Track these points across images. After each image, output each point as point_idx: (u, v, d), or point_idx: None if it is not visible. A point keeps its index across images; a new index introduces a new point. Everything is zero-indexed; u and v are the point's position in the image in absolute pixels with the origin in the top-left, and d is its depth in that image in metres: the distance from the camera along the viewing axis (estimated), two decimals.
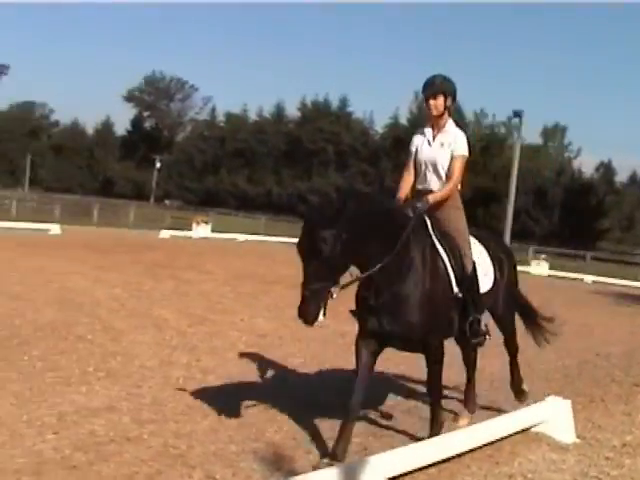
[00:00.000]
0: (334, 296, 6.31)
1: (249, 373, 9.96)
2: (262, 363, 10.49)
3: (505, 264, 8.30)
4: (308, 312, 6.23)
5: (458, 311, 7.33)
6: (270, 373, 10.12)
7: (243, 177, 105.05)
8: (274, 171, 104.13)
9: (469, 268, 7.37)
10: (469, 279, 7.34)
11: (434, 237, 7.17)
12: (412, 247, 6.89)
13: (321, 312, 6.24)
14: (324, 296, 6.28)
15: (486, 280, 7.72)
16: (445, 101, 7.46)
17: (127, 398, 8.29)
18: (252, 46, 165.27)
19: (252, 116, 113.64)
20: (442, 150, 7.56)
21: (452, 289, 7.15)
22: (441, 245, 7.17)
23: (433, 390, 7.37)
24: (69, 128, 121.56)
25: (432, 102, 7.44)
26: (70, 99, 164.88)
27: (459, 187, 7.67)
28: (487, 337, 7.65)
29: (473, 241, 7.72)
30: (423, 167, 7.68)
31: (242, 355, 10.91)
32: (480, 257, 7.69)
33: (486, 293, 7.72)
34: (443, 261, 7.12)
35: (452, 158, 7.53)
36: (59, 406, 7.70)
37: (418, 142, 7.75)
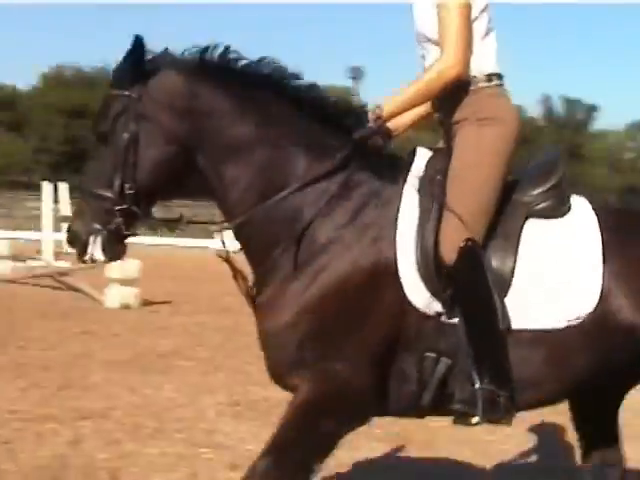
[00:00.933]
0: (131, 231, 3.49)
1: None
2: None
3: None
4: (74, 233, 3.46)
5: (429, 350, 3.41)
6: None
7: None
8: None
9: (449, 257, 3.33)
10: (457, 280, 3.36)
11: (408, 185, 3.46)
12: (337, 198, 3.44)
13: (93, 242, 3.43)
14: (106, 218, 3.40)
15: (554, 303, 3.44)
16: None
17: None
18: None
19: None
20: (426, 8, 3.58)
21: (403, 293, 3.35)
22: (420, 201, 3.44)
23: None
24: None
25: None
26: None
27: (486, 69, 3.57)
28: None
29: (581, 211, 3.60)
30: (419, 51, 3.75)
31: None
32: (559, 245, 3.51)
33: (552, 333, 3.45)
34: (395, 233, 3.38)
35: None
36: None
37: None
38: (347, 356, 3.36)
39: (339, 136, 3.50)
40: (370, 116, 3.48)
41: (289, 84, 3.53)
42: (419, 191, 3.46)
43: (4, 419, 6.22)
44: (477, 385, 3.38)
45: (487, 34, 3.61)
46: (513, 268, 3.45)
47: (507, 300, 3.42)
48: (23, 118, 66.56)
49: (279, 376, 3.49)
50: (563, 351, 3.50)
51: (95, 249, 3.43)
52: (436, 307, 3.39)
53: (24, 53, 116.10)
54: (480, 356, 3.38)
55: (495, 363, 3.41)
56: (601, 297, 3.48)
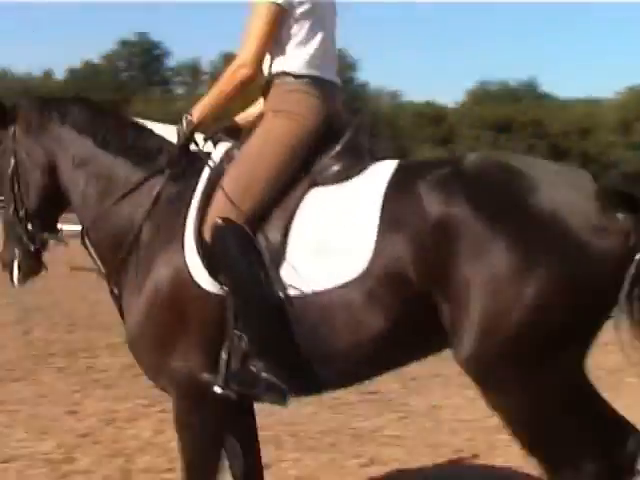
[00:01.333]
0: (43, 244, 4.05)
1: None
2: None
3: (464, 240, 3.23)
4: (2, 260, 4.09)
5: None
6: None
7: None
8: None
9: (208, 235, 3.51)
10: (215, 257, 3.49)
11: (204, 174, 3.68)
12: (161, 197, 3.74)
13: (18, 260, 4.00)
14: (18, 240, 3.99)
15: (330, 266, 3.40)
16: None
17: None
18: None
19: None
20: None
21: (193, 278, 3.53)
22: (205, 187, 3.65)
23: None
24: None
25: None
26: None
27: (296, 69, 3.68)
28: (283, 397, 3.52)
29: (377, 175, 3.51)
30: None
31: None
32: (338, 209, 3.48)
33: (332, 297, 3.40)
34: (185, 221, 3.60)
35: None
36: None
37: None
38: (181, 352, 3.57)
39: (160, 147, 3.83)
40: (184, 123, 3.70)
41: (122, 116, 4.11)
42: (208, 179, 3.64)
43: (454, 428, 6.39)
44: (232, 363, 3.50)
45: (310, 38, 3.69)
46: (286, 238, 3.49)
47: (282, 271, 3.46)
48: (451, 134, 68.65)
49: (150, 379, 3.82)
50: (350, 314, 3.39)
51: (14, 269, 4.00)
52: (206, 283, 3.52)
53: (450, 71, 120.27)
54: (249, 333, 3.47)
55: (265, 340, 3.48)
56: (375, 254, 3.34)
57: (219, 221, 3.46)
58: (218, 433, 3.77)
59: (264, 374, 3.46)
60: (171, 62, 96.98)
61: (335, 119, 3.71)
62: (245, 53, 3.62)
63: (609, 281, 3.16)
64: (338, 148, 3.61)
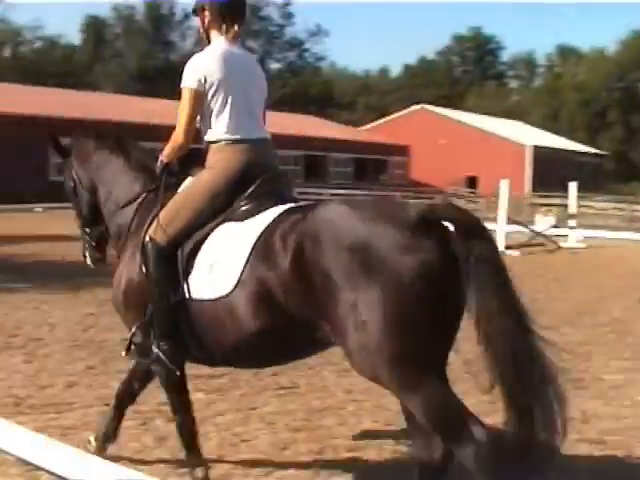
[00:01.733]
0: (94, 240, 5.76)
1: None
2: None
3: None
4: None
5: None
6: None
7: None
8: None
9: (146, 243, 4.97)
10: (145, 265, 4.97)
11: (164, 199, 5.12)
12: (142, 213, 5.28)
13: (87, 252, 5.82)
14: (83, 237, 5.84)
15: (215, 282, 4.63)
16: (203, 16, 5.15)
17: None
18: None
19: None
20: None
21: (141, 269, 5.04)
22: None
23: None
24: None
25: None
26: None
27: (217, 134, 4.99)
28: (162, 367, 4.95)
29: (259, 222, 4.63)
30: None
31: None
32: (232, 242, 4.67)
33: (215, 303, 4.64)
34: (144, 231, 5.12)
35: None
36: None
37: None
38: (132, 314, 5.02)
39: (150, 174, 5.30)
40: (159, 163, 5.11)
41: (134, 153, 5.54)
42: (162, 203, 5.01)
43: None
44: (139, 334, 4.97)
45: (223, 108, 4.93)
46: (194, 257, 4.75)
47: (189, 280, 4.73)
48: None
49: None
50: (230, 319, 4.53)
51: (87, 256, 5.81)
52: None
53: None
54: (157, 320, 4.82)
55: (167, 328, 4.80)
56: (240, 280, 4.47)
57: (147, 239, 4.87)
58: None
59: (157, 350, 4.83)
60: (505, 56, 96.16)
61: (256, 166, 4.86)
62: (178, 128, 4.97)
63: (428, 289, 3.86)
64: (247, 193, 4.77)
